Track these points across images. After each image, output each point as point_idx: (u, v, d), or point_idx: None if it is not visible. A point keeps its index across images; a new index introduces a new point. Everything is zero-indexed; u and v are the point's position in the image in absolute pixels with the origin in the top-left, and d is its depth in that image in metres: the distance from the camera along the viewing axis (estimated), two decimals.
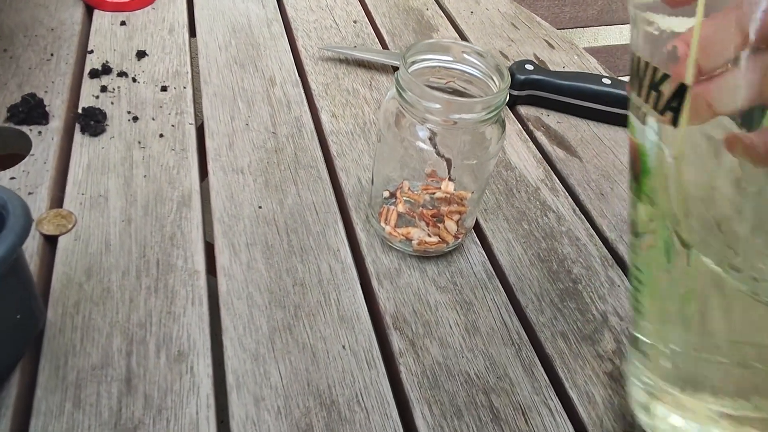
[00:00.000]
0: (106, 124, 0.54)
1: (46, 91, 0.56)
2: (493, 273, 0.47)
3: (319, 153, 0.55)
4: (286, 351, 0.40)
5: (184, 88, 0.59)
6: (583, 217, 0.53)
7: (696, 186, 0.26)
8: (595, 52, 1.09)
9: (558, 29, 0.81)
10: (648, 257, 0.30)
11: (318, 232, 0.48)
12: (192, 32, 0.68)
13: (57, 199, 0.47)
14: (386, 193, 0.48)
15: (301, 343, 0.41)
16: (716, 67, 0.23)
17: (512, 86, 0.63)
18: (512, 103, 0.65)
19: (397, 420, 0.38)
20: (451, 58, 0.42)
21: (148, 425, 0.35)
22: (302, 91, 0.62)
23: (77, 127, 0.53)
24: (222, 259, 0.45)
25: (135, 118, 0.55)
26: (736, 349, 0.27)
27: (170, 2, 0.71)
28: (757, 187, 0.24)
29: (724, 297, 0.27)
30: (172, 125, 0.55)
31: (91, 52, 0.62)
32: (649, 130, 0.27)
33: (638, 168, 0.28)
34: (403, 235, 0.46)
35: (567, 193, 0.55)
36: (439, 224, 0.46)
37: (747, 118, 0.23)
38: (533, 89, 0.64)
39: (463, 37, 0.74)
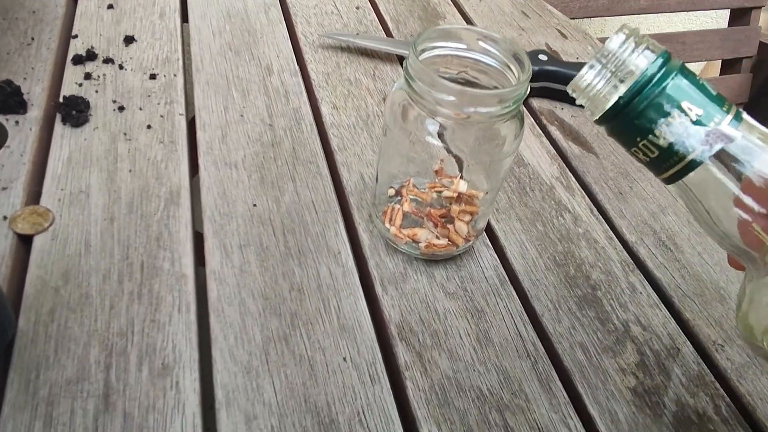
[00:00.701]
0: (90, 114, 0.50)
1: (25, 78, 0.52)
2: (506, 278, 0.44)
3: (318, 147, 0.51)
4: (282, 364, 0.37)
5: (175, 76, 0.55)
6: (600, 217, 0.50)
7: None
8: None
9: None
10: None
11: (317, 232, 0.44)
12: (184, 17, 0.64)
13: (33, 195, 0.44)
14: (391, 191, 0.44)
15: (298, 355, 0.37)
16: None
17: None
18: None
19: None
20: (464, 46, 0.38)
21: None
22: (301, 81, 0.58)
23: (58, 116, 0.49)
24: (213, 261, 0.41)
25: (121, 108, 0.51)
26: None
27: None
28: None
29: None
30: (161, 116, 0.51)
31: (75, 36, 0.58)
32: None
33: None
34: (409, 237, 0.43)
35: (583, 192, 0.52)
36: (448, 225, 0.43)
37: None
38: (546, 81, 0.60)
39: (470, 25, 0.70)
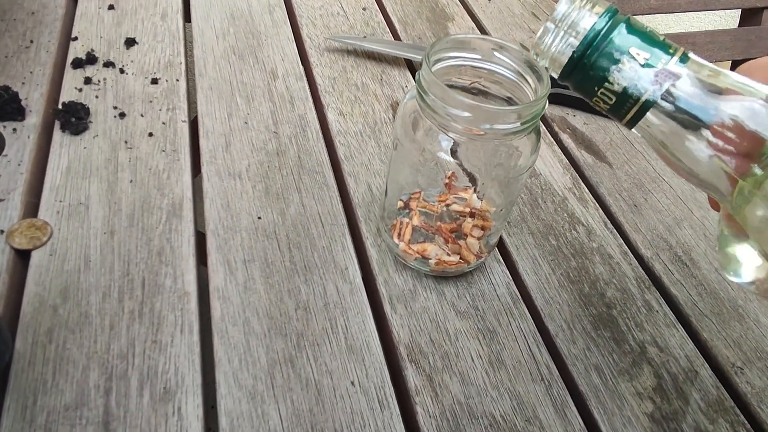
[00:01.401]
0: (89, 121, 0.48)
1: (23, 83, 0.50)
2: (519, 296, 0.43)
3: (325, 156, 0.50)
4: (288, 388, 0.35)
5: (177, 80, 0.54)
6: (615, 231, 0.48)
7: None
8: None
9: None
10: None
11: (324, 247, 0.43)
12: (187, 17, 0.63)
13: (31, 207, 0.42)
14: (400, 204, 0.43)
15: (305, 379, 0.36)
16: None
17: None
18: None
19: None
20: (479, 56, 0.37)
21: None
22: (306, 86, 0.56)
23: (57, 124, 0.48)
24: (216, 279, 0.40)
25: (122, 115, 0.50)
26: None
27: None
28: None
29: None
30: (163, 123, 0.50)
31: (75, 39, 0.56)
32: None
33: None
34: (418, 253, 0.41)
35: (597, 204, 0.50)
36: (459, 241, 0.41)
37: None
38: (558, 87, 0.58)
39: (480, 27, 0.69)
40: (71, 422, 0.32)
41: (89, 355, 0.35)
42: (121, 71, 0.54)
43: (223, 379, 0.35)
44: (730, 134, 0.25)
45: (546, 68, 0.29)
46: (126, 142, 0.48)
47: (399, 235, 0.42)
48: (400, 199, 0.43)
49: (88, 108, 0.49)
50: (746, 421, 0.38)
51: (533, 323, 0.41)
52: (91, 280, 0.38)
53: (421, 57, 0.59)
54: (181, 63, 0.56)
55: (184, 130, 0.50)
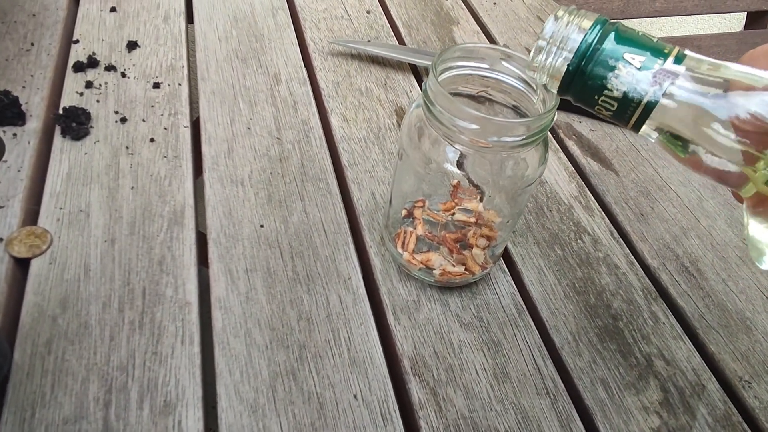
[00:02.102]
0: (90, 126, 0.48)
1: (23, 87, 0.50)
2: (524, 307, 0.42)
3: (328, 162, 0.49)
4: (289, 401, 0.35)
5: (179, 85, 0.53)
6: (621, 241, 0.48)
7: None
8: None
9: None
10: None
11: (327, 256, 0.43)
12: (189, 20, 0.62)
13: (31, 215, 0.42)
14: (404, 212, 0.42)
15: (307, 392, 0.35)
16: None
17: None
18: None
19: None
20: (486, 65, 0.36)
21: None
22: (310, 90, 0.56)
23: (57, 129, 0.47)
24: (218, 288, 0.39)
25: (123, 120, 0.49)
26: None
27: None
28: None
29: None
30: (165, 128, 0.49)
31: (77, 41, 0.56)
32: None
33: None
34: (422, 263, 0.41)
35: (603, 213, 0.50)
36: (464, 251, 0.41)
37: None
38: None
39: (485, 31, 0.68)
40: None
41: (89, 366, 0.35)
42: (123, 75, 0.53)
43: (224, 391, 0.35)
44: (745, 124, 0.25)
45: (544, 85, 0.29)
46: (127, 147, 0.47)
47: (403, 244, 0.41)
48: (405, 208, 0.42)
49: (89, 113, 0.48)
50: None
51: (538, 335, 0.41)
52: (91, 290, 0.38)
53: (426, 62, 0.59)
54: (183, 66, 0.55)
55: (186, 135, 0.49)
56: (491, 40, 0.67)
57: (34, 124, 0.47)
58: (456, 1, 0.72)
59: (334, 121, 0.53)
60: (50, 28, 0.56)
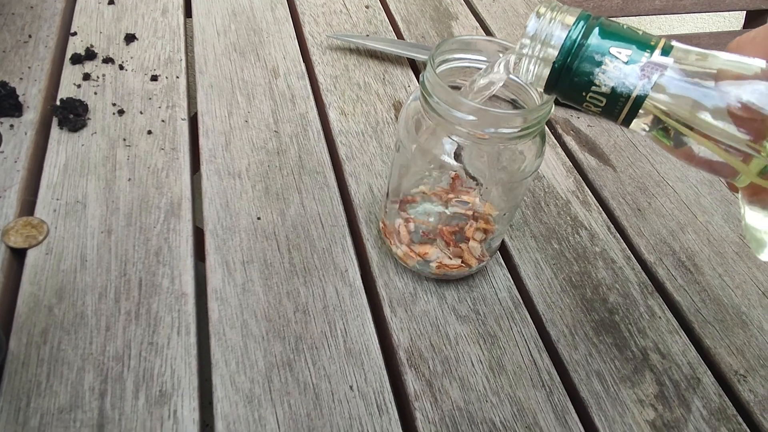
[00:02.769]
0: (88, 118, 0.48)
1: (21, 78, 0.50)
2: (520, 300, 0.42)
3: (326, 156, 0.49)
4: (285, 392, 0.35)
5: (177, 77, 0.53)
6: (618, 235, 0.48)
7: None
8: None
9: None
10: None
11: (323, 248, 0.43)
12: (188, 13, 0.62)
13: (28, 205, 0.42)
14: (401, 205, 0.42)
15: (303, 383, 0.35)
16: None
17: None
18: None
19: None
20: (484, 58, 0.36)
21: None
22: (308, 84, 0.56)
23: (54, 120, 0.47)
24: (214, 279, 0.39)
25: (120, 112, 0.49)
26: None
27: None
28: None
29: None
30: (162, 120, 0.49)
31: (74, 34, 0.56)
32: None
33: None
34: (419, 256, 0.41)
35: (600, 208, 0.50)
36: (461, 245, 0.41)
37: None
38: None
39: (484, 27, 0.68)
40: (65, 425, 0.32)
41: (84, 356, 0.35)
42: (121, 67, 0.53)
43: (220, 382, 0.35)
44: (736, 113, 0.25)
45: (531, 84, 0.29)
46: (124, 139, 0.47)
47: (400, 237, 0.42)
48: (402, 200, 0.42)
49: (86, 105, 0.48)
50: (748, 430, 0.37)
51: (534, 328, 0.41)
52: (87, 280, 0.38)
53: (424, 56, 0.59)
54: (181, 60, 0.55)
55: (184, 128, 0.49)
56: (490, 35, 0.67)
57: (31, 115, 0.47)
58: None
59: (332, 114, 0.53)
60: (48, 20, 0.56)
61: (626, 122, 0.27)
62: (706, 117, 0.25)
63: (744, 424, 0.38)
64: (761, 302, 0.45)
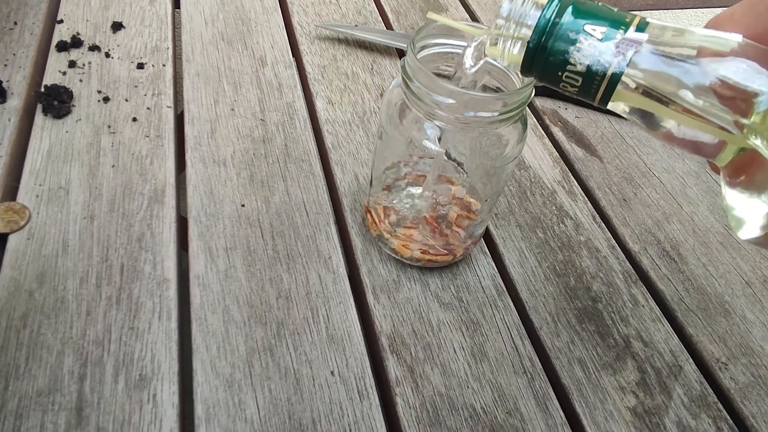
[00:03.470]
0: (72, 105, 0.48)
1: (5, 65, 0.50)
2: (504, 288, 0.42)
3: (312, 144, 0.49)
4: (266, 377, 0.35)
5: (164, 66, 0.53)
6: (603, 225, 0.48)
7: None
8: None
9: None
10: None
11: (308, 236, 0.43)
12: (176, 2, 0.62)
13: (10, 191, 0.41)
14: (385, 192, 0.42)
15: (284, 368, 0.35)
16: None
17: None
18: None
19: None
20: (466, 43, 0.36)
21: None
22: (296, 74, 0.56)
23: (39, 107, 0.47)
24: (197, 266, 0.39)
25: (106, 99, 0.49)
26: None
27: None
28: None
29: None
30: (148, 108, 0.49)
31: (61, 21, 0.56)
32: None
33: None
34: (403, 243, 0.41)
35: (586, 198, 0.50)
36: (444, 230, 0.41)
37: None
38: None
39: (474, 19, 0.68)
40: (43, 408, 0.32)
41: (64, 340, 0.34)
42: (107, 55, 0.53)
43: (201, 366, 0.35)
44: (716, 90, 0.25)
45: (507, 66, 0.29)
46: (109, 126, 0.47)
47: (383, 224, 0.41)
48: (386, 183, 0.42)
49: (71, 91, 0.48)
50: (729, 417, 0.38)
51: (517, 316, 0.41)
52: (68, 265, 0.38)
53: None
54: (168, 48, 0.55)
55: (169, 115, 0.49)
56: None
57: (15, 101, 0.47)
58: None
59: (319, 104, 0.53)
60: (34, 7, 0.56)
61: (603, 101, 0.27)
62: (684, 93, 0.25)
63: (724, 411, 0.38)
64: (744, 291, 0.45)
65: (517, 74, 0.34)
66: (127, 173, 0.44)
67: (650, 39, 0.25)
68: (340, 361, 0.36)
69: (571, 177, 0.52)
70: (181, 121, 0.49)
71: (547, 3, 0.26)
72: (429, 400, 0.36)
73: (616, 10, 0.26)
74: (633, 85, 0.26)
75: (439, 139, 0.35)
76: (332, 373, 0.36)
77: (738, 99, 0.25)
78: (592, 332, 0.41)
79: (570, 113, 0.58)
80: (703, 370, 0.40)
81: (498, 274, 0.43)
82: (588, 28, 0.25)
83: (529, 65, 0.27)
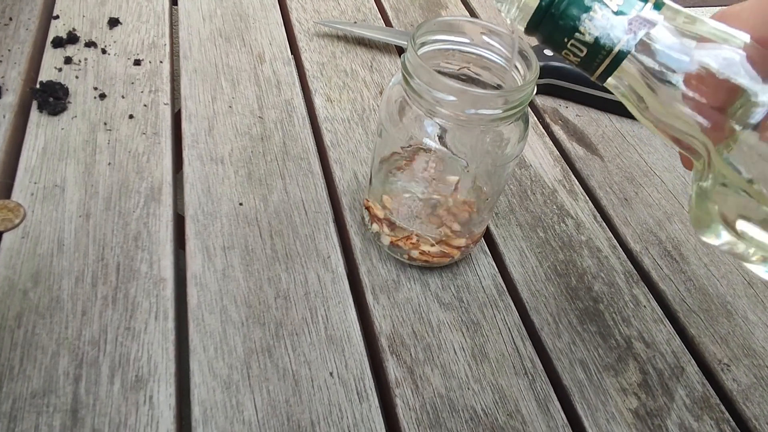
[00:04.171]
0: (68, 102, 0.47)
1: (0, 61, 0.49)
2: (504, 288, 0.42)
3: (311, 142, 0.49)
4: (264, 378, 0.34)
5: (161, 62, 0.52)
6: (604, 224, 0.48)
7: None
8: None
9: None
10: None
11: (306, 235, 0.42)
12: (173, 0, 0.61)
13: (5, 188, 0.41)
14: (385, 189, 0.42)
15: (282, 369, 0.35)
16: None
17: None
18: None
19: None
20: (467, 40, 0.36)
21: None
22: (294, 71, 0.55)
23: (34, 103, 0.46)
24: (194, 265, 0.39)
25: (102, 96, 0.48)
26: None
27: None
28: None
29: None
30: (145, 105, 0.48)
31: (57, 17, 0.55)
32: None
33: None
34: (402, 242, 0.40)
35: (587, 197, 0.50)
36: (444, 230, 0.40)
37: None
38: (551, 77, 0.57)
39: (474, 16, 0.67)
40: (38, 410, 0.31)
41: (59, 341, 0.34)
42: (103, 51, 0.52)
43: (198, 367, 0.34)
44: (705, 84, 0.24)
45: (512, 21, 0.28)
46: (105, 123, 0.46)
47: (383, 223, 0.41)
48: (385, 183, 0.42)
49: (67, 88, 0.48)
50: (731, 419, 0.37)
51: (518, 316, 0.40)
52: (64, 264, 0.37)
53: None
54: (165, 44, 0.54)
55: (166, 113, 0.48)
56: None
57: (10, 98, 0.46)
58: None
59: (318, 101, 0.53)
60: (29, 3, 0.55)
61: (602, 78, 0.26)
62: (678, 84, 0.24)
63: (727, 413, 0.38)
64: (746, 292, 0.44)
65: (523, 71, 0.34)
66: (123, 171, 0.43)
67: (664, 20, 0.24)
68: (339, 362, 0.36)
69: (572, 176, 0.51)
70: (178, 118, 0.49)
71: None
72: (429, 401, 0.35)
73: None
74: (635, 66, 0.25)
75: (440, 137, 0.35)
76: (331, 374, 0.35)
77: (725, 94, 0.24)
78: (593, 333, 0.40)
79: (571, 112, 0.58)
80: (706, 371, 0.40)
81: (498, 274, 0.42)
82: None
83: (536, 25, 0.26)
